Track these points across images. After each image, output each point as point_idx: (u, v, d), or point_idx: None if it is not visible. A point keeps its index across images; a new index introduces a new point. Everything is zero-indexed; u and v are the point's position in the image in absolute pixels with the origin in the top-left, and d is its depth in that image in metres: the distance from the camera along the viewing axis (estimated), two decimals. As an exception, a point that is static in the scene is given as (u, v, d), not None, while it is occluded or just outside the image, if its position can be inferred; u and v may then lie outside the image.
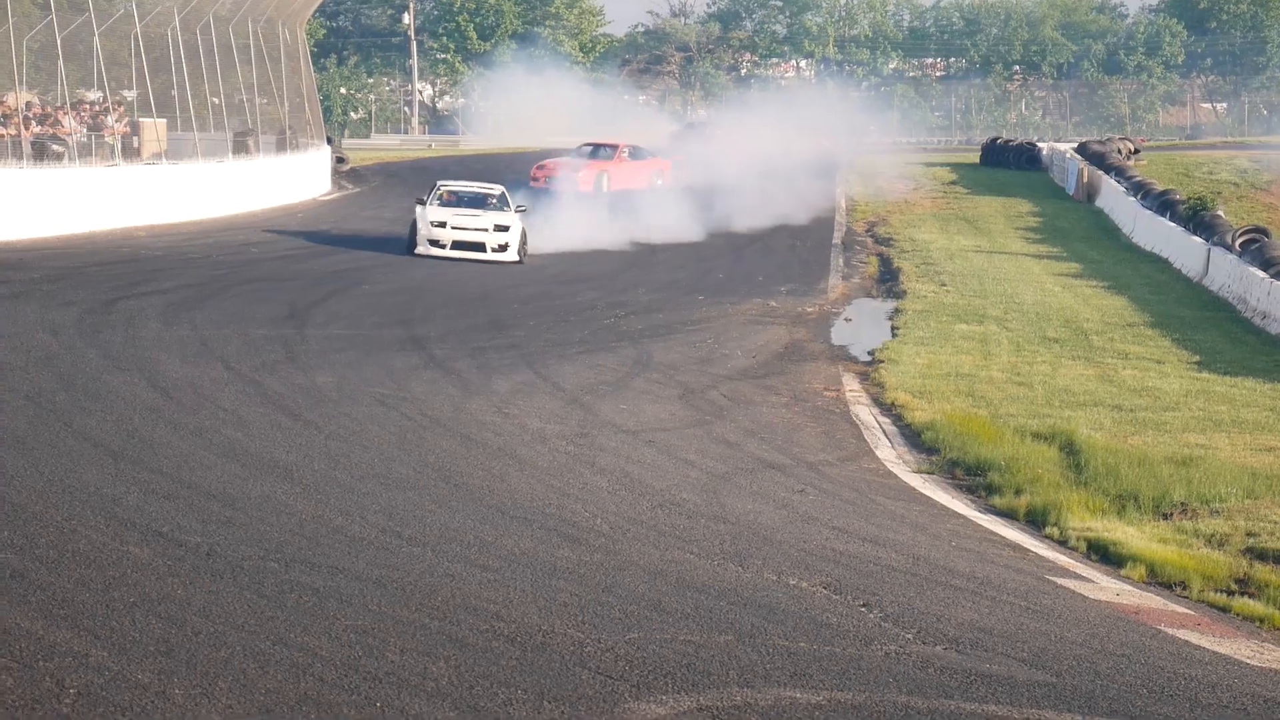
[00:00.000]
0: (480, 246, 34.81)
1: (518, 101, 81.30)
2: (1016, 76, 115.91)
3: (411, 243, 35.10)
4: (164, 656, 7.87)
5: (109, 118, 40.17)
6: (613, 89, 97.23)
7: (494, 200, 36.64)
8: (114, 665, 7.65)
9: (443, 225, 35.01)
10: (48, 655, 7.67)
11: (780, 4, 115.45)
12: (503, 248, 34.85)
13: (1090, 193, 56.32)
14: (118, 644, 7.99)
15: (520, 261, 34.86)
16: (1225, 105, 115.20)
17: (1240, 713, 9.56)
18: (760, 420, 19.61)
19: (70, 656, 7.70)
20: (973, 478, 17.45)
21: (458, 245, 34.78)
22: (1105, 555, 14.31)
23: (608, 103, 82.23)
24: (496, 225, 35.08)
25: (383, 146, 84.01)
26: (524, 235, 35.56)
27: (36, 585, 8.90)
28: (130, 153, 40.65)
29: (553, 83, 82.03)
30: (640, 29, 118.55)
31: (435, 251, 34.67)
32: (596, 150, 53.32)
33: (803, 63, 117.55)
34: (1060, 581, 13.01)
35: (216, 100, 45.42)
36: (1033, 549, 14.35)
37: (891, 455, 18.53)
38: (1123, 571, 13.76)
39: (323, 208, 47.84)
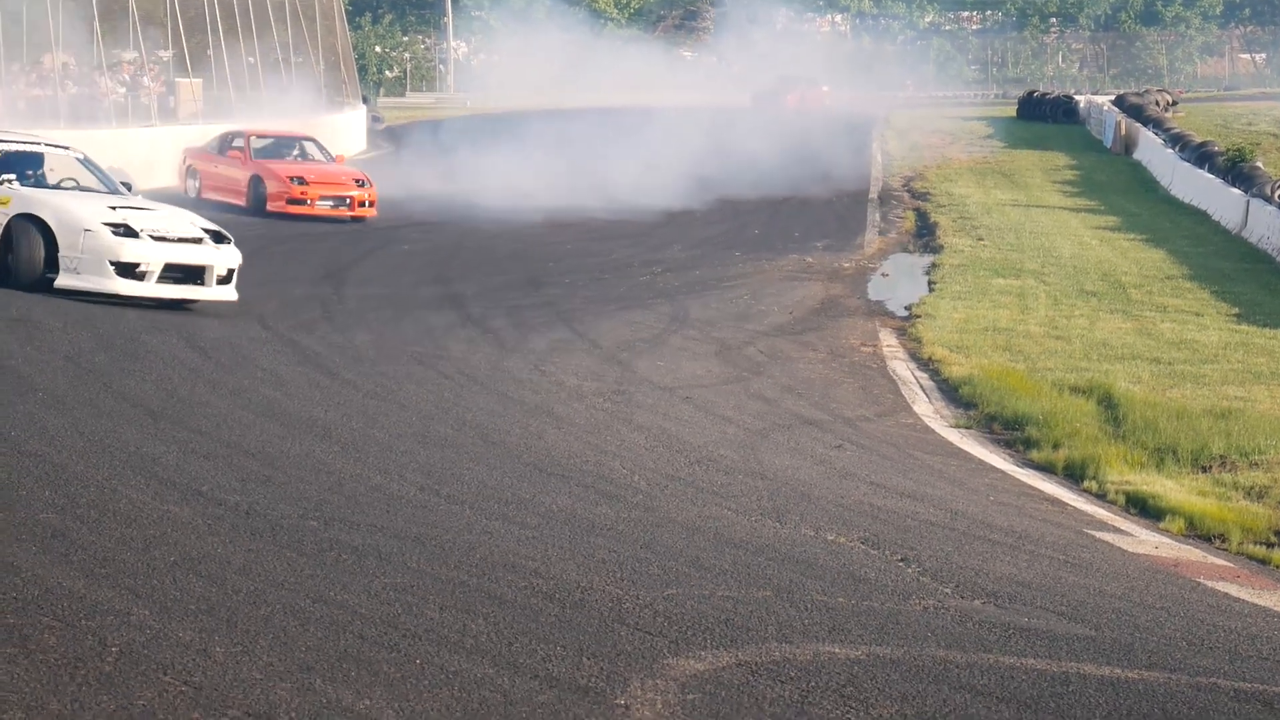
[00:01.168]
0: (199, 275, 19.77)
1: (549, 58, 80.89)
2: (1053, 29, 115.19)
3: (31, 265, 19.22)
4: (205, 614, 7.92)
5: (145, 78, 40.22)
6: (646, 44, 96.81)
7: (62, 175, 21.04)
8: (155, 623, 7.70)
9: (132, 233, 19.34)
10: (89, 614, 7.72)
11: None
12: (228, 276, 20.01)
13: (1128, 145, 56.04)
14: (159, 602, 8.04)
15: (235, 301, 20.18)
16: (1264, 56, 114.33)
17: (1279, 665, 9.55)
18: (797, 376, 19.61)
19: (112, 615, 7.74)
20: (1010, 432, 17.42)
21: (170, 274, 19.52)
22: (1144, 508, 14.29)
23: (649, 59, 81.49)
24: (211, 233, 20.15)
25: (418, 105, 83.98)
26: None
27: (78, 544, 8.95)
28: (167, 113, 40.72)
29: (587, 40, 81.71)
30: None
31: (123, 288, 19.23)
32: (285, 144, 36.18)
33: (838, 17, 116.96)
34: (1099, 535, 13.00)
35: (252, 60, 45.40)
36: (1071, 503, 14.34)
37: (929, 410, 18.51)
38: (1161, 525, 13.73)
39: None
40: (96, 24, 38.15)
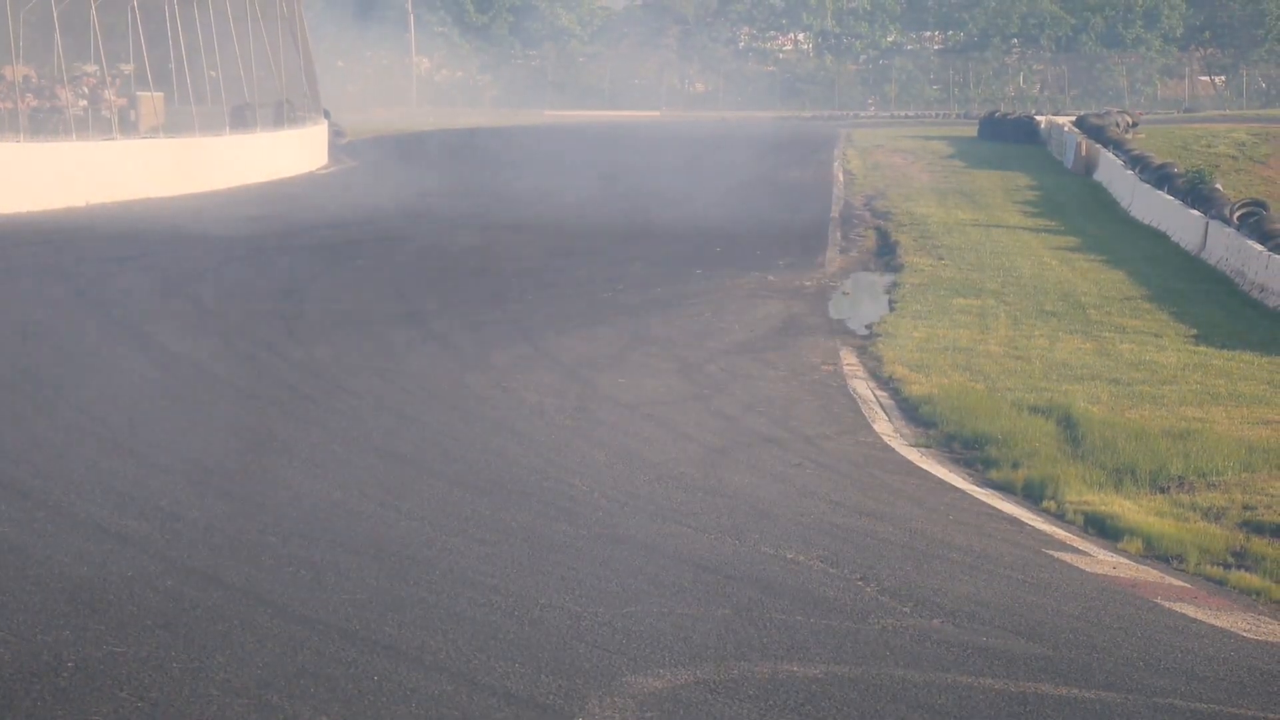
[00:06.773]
0: None
1: (512, 75, 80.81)
2: (1015, 49, 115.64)
3: None
4: (161, 630, 7.88)
5: (106, 91, 40.10)
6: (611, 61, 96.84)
7: None
8: (111, 639, 7.66)
9: None
10: (46, 629, 7.68)
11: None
12: None
13: (1089, 166, 56.23)
14: (115, 618, 7.99)
15: None
16: (1224, 78, 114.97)
17: (1236, 685, 9.58)
18: (758, 394, 19.61)
19: (68, 630, 7.70)
20: (970, 451, 17.44)
21: None
22: (1102, 528, 14.32)
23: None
24: None
25: (381, 120, 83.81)
26: None
27: (34, 559, 8.90)
28: (128, 126, 40.59)
29: (549, 55, 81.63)
30: (639, 1, 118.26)
31: None
32: None
33: (800, 35, 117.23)
34: (1057, 555, 13.02)
35: (214, 73, 45.26)
36: (1030, 522, 14.36)
37: (889, 429, 18.52)
38: (1119, 545, 13.76)
39: (321, 181, 47.76)
40: (58, 36, 38.02)
